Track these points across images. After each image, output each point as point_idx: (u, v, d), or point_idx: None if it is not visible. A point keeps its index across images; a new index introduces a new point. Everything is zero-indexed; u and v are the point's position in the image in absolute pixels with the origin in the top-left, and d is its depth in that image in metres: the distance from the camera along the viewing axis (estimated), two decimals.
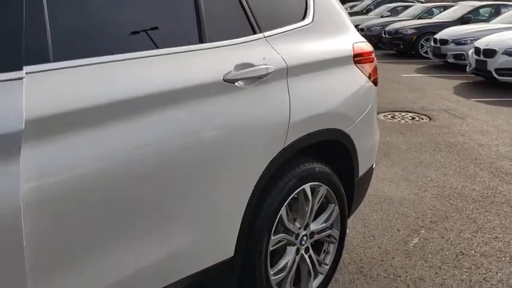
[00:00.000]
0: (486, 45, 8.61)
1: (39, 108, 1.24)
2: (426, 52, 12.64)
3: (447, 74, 10.25)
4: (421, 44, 13.08)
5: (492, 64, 8.36)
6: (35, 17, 1.28)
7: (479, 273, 2.64)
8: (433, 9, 16.98)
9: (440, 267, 2.70)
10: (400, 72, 10.38)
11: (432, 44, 11.58)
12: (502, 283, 2.54)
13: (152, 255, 1.55)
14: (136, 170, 1.44)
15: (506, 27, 10.28)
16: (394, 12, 18.54)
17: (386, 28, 14.18)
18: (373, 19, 17.34)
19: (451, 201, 3.62)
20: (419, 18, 15.84)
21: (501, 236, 3.08)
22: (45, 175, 1.24)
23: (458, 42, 10.77)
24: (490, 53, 8.41)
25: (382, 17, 18.03)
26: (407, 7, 18.38)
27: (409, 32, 13.31)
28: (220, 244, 1.79)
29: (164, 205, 1.54)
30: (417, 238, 3.05)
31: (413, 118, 6.38)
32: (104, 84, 1.38)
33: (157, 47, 1.56)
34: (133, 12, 1.57)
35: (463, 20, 13.21)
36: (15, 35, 1.22)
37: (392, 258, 2.80)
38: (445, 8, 16.55)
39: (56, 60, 1.31)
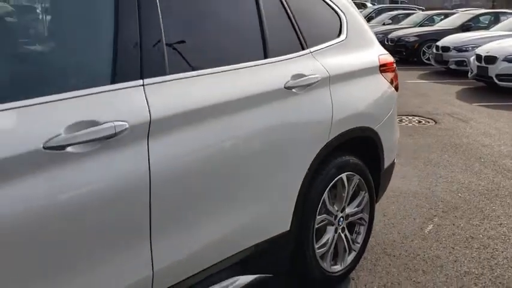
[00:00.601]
0: (487, 52, 9.06)
1: (158, 109, 1.66)
2: (428, 59, 13.08)
3: (449, 80, 10.69)
4: (423, 51, 13.52)
5: (493, 70, 8.81)
6: (157, 43, 1.71)
7: (487, 252, 3.06)
8: (434, 16, 17.46)
9: (453, 248, 3.12)
10: (404, 79, 10.80)
11: (434, 51, 12.03)
12: (507, 259, 2.96)
13: (234, 224, 1.98)
14: (227, 158, 1.88)
15: (505, 34, 10.75)
16: (396, 19, 19.00)
17: (389, 36, 14.63)
18: (375, 27, 17.79)
19: (459, 195, 4.04)
20: (421, 25, 16.31)
21: (505, 222, 3.50)
22: (164, 158, 1.67)
23: (459, 49, 11.22)
24: (491, 59, 8.86)
25: (384, 24, 18.47)
26: (408, 15, 18.86)
27: (411, 39, 13.76)
28: (280, 219, 2.22)
29: (244, 186, 1.98)
30: (431, 225, 3.46)
31: (419, 122, 6.80)
32: (205, 91, 1.82)
33: (238, 62, 2.00)
34: (221, 37, 2.01)
35: (463, 28, 13.66)
36: (135, 56, 1.65)
37: (411, 241, 3.22)
38: (446, 15, 17.05)
39: (169, 73, 1.74)
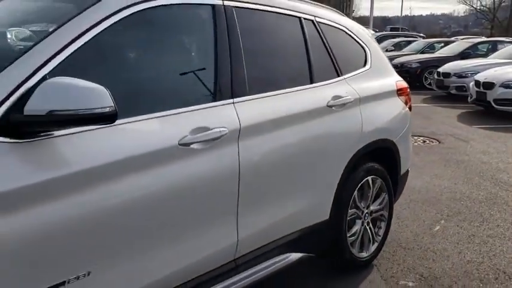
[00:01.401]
0: (485, 79, 9.75)
1: (244, 120, 2.28)
2: (430, 84, 13.79)
3: (450, 104, 11.37)
4: (425, 76, 14.24)
5: (491, 95, 9.49)
6: (241, 74, 2.33)
7: (487, 246, 3.64)
8: (435, 44, 18.28)
9: (457, 243, 3.70)
10: None
11: (436, 76, 12.74)
12: (503, 252, 3.54)
13: (292, 209, 2.58)
14: (288, 158, 2.49)
15: (502, 62, 11.47)
16: (398, 46, 19.83)
17: (393, 62, 15.35)
18: None
19: (462, 202, 4.64)
20: (422, 52, 17.10)
21: (502, 224, 4.09)
22: (248, 156, 2.28)
23: (459, 75, 11.93)
24: (489, 85, 9.55)
25: (386, 51, 19.27)
26: (410, 42, 19.69)
27: (414, 65, 14.50)
28: (323, 209, 2.82)
29: (300, 180, 2.59)
30: (438, 226, 4.05)
31: (424, 141, 7.42)
32: (272, 107, 2.44)
33: (293, 86, 2.63)
34: (282, 68, 2.65)
35: (463, 55, 14.42)
36: (228, 83, 2.27)
37: (422, 238, 3.80)
38: (446, 43, 17.87)
39: (249, 94, 2.37)
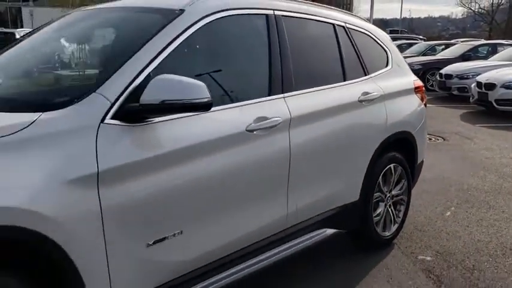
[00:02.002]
0: (487, 80, 10.19)
1: (293, 111, 2.70)
2: (432, 85, 14.22)
3: (453, 105, 11.80)
4: (427, 78, 14.68)
5: (492, 96, 9.93)
6: (289, 73, 2.75)
7: (494, 229, 4.06)
8: (436, 46, 18.74)
9: (467, 226, 4.12)
10: None
11: (438, 78, 13.19)
12: (509, 233, 3.97)
13: (329, 190, 3.00)
14: (327, 145, 2.91)
15: (503, 64, 11.91)
16: (399, 49, 20.09)
17: None
18: None
19: (469, 192, 5.06)
20: (424, 54, 17.55)
21: (507, 210, 4.51)
22: (297, 142, 2.69)
23: (461, 77, 12.37)
24: (491, 86, 9.98)
25: None
26: (411, 44, 20.15)
27: (416, 67, 14.91)
28: (353, 191, 3.23)
29: (336, 164, 3.01)
30: (449, 212, 4.47)
31: (430, 139, 7.83)
32: (313, 101, 2.86)
33: (330, 84, 3.05)
34: (320, 68, 3.07)
35: (464, 57, 14.88)
36: (279, 81, 2.69)
37: (435, 222, 4.22)
38: (446, 45, 18.32)
39: (282, 93, 2.76)
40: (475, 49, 15.62)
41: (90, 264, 1.81)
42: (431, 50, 18.35)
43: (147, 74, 2.07)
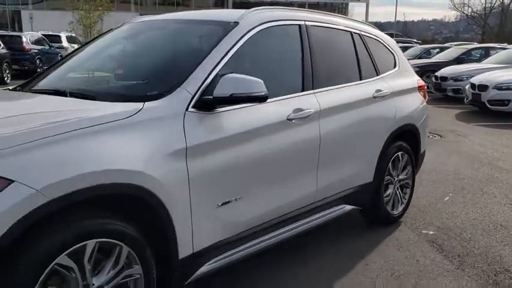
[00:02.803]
0: (480, 82, 10.83)
1: (322, 104, 3.28)
2: (428, 87, 14.83)
3: (448, 105, 12.44)
4: (424, 80, 15.29)
5: (485, 96, 10.57)
6: (319, 73, 3.34)
7: (487, 210, 4.65)
8: (431, 50, 19.42)
9: (464, 208, 4.71)
10: None
11: (433, 80, 13.83)
12: (500, 212, 4.56)
13: (349, 171, 3.58)
14: (348, 133, 3.49)
15: (495, 66, 12.57)
16: None
17: None
18: None
19: (465, 181, 5.66)
20: (419, 57, 18.21)
21: (498, 196, 5.11)
22: (325, 130, 3.27)
23: (456, 79, 13.02)
24: (483, 87, 10.63)
25: None
26: (407, 48, 20.82)
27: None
28: (368, 173, 3.81)
29: (354, 150, 3.60)
30: (448, 197, 5.06)
31: (428, 136, 8.40)
32: (336, 97, 3.45)
33: (348, 82, 3.64)
34: (341, 69, 3.66)
35: (458, 60, 15.53)
36: (310, 79, 3.27)
37: (436, 205, 4.81)
38: (441, 49, 18.99)
39: (313, 89, 3.34)
40: (468, 52, 16.29)
41: (180, 216, 2.38)
42: (427, 53, 19.02)
43: (215, 73, 2.65)
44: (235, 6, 49.72)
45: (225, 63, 2.73)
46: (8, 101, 2.94)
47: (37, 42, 20.79)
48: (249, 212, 2.81)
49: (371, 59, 3.97)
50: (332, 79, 3.51)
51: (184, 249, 2.45)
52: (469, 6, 56.95)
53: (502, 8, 53.94)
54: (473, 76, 11.68)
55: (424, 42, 40.61)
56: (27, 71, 18.63)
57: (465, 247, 3.76)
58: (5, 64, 16.63)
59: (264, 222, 2.96)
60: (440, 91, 13.54)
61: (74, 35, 24.04)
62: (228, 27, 2.90)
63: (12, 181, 1.81)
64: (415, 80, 4.48)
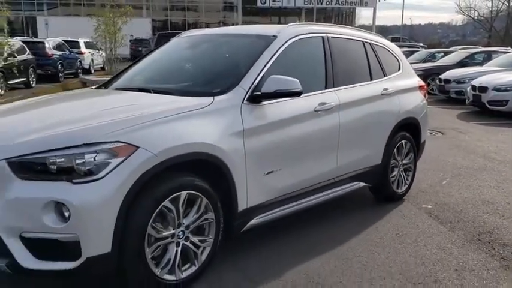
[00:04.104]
0: (480, 84, 11.65)
1: (341, 99, 4.15)
2: (432, 89, 15.67)
3: (450, 106, 13.25)
4: (428, 82, 16.12)
5: (485, 97, 11.38)
6: (339, 74, 4.22)
7: (479, 191, 5.48)
8: (436, 54, 20.24)
9: (458, 189, 5.55)
10: None
11: (438, 82, 14.65)
12: (489, 194, 5.40)
13: (362, 154, 4.44)
14: (360, 123, 4.36)
15: (496, 69, 13.38)
16: None
17: None
18: None
19: (461, 169, 6.49)
20: (425, 61, 19.02)
21: (489, 180, 5.94)
22: (343, 119, 4.14)
23: (458, 81, 13.83)
24: (483, 89, 11.45)
25: None
26: (413, 52, 21.64)
27: (418, 73, 16.27)
28: (377, 156, 4.67)
29: (365, 136, 4.46)
30: (445, 181, 5.90)
31: (431, 133, 9.24)
32: (351, 93, 4.31)
33: (360, 82, 4.51)
34: (354, 71, 4.53)
35: (461, 64, 16.34)
36: (331, 79, 4.15)
37: (434, 187, 5.65)
38: (445, 53, 19.80)
39: (333, 87, 4.21)
40: (471, 56, 17.09)
41: (239, 179, 3.25)
42: (432, 57, 19.82)
43: (262, 75, 3.53)
44: (244, 12, 50.72)
45: (269, 67, 3.61)
46: (108, 96, 3.84)
47: (58, 47, 21.75)
48: (286, 181, 3.69)
49: (379, 63, 4.84)
50: (348, 79, 4.38)
51: (242, 204, 3.33)
52: (475, 10, 57.46)
53: (508, 12, 54.53)
54: (475, 78, 12.48)
55: (430, 45, 41.33)
56: (49, 75, 19.67)
57: (457, 216, 4.61)
58: (31, 69, 17.52)
59: (297, 190, 3.83)
60: (444, 93, 14.35)
61: (90, 40, 25.06)
62: (269, 39, 3.79)
63: (138, 147, 2.70)
64: (416, 81, 5.35)
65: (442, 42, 69.16)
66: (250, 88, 3.42)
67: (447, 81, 14.12)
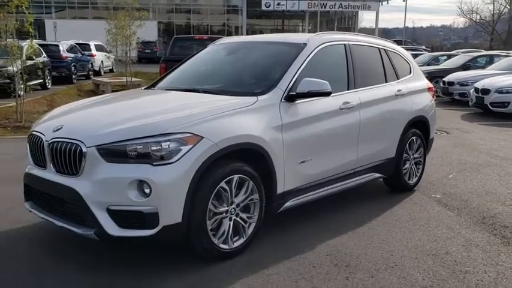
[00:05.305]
0: (483, 86, 12.21)
1: (361, 99, 4.72)
2: (436, 92, 16.21)
3: (454, 107, 13.81)
4: (432, 84, 16.68)
5: (487, 99, 11.95)
6: (359, 77, 4.79)
7: (482, 183, 6.04)
8: (439, 57, 20.80)
9: (464, 182, 6.11)
10: None
11: (441, 85, 15.21)
12: (491, 186, 5.96)
13: (378, 148, 5.01)
14: (377, 120, 4.93)
15: (498, 72, 13.94)
16: None
17: None
18: None
19: (466, 165, 7.05)
20: (428, 64, 19.58)
21: (492, 175, 6.49)
22: (363, 116, 4.71)
23: (462, 83, 14.40)
24: (486, 91, 12.01)
25: None
26: (417, 55, 22.19)
27: None
28: (391, 150, 5.22)
29: (381, 132, 5.03)
30: (451, 175, 6.46)
31: (436, 133, 9.74)
32: (368, 94, 4.88)
33: (377, 84, 5.07)
34: (372, 74, 5.10)
35: (464, 67, 16.90)
36: (353, 81, 4.72)
37: (441, 180, 6.21)
38: (449, 56, 20.36)
39: (354, 88, 4.77)
40: (474, 59, 17.66)
41: (278, 166, 3.81)
42: (435, 60, 20.39)
43: (296, 77, 4.10)
44: (248, 15, 51.36)
45: (301, 71, 4.18)
46: (164, 95, 4.43)
47: (70, 50, 22.35)
48: (315, 169, 4.25)
49: (393, 67, 5.42)
50: (366, 81, 4.95)
51: (279, 188, 3.89)
52: (477, 13, 58.08)
53: (510, 16, 55.06)
54: (478, 81, 13.04)
55: (432, 48, 41.85)
56: (63, 77, 20.26)
57: (463, 204, 5.17)
58: (47, 71, 18.10)
59: (324, 177, 4.39)
60: (447, 95, 14.91)
61: (100, 43, 25.66)
62: (300, 47, 4.37)
63: (203, 137, 3.27)
64: (425, 83, 5.92)
65: (444, 44, 69.64)
66: (286, 89, 3.99)
67: (451, 83, 14.68)
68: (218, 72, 4.83)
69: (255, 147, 3.63)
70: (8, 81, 13.62)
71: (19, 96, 10.76)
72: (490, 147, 8.35)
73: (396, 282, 3.33)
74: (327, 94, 4.04)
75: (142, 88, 4.95)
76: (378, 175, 5.16)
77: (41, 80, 17.16)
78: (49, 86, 18.09)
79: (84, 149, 3.20)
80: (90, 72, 23.75)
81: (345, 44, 4.78)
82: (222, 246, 3.50)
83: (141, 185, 3.13)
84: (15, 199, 4.48)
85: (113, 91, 16.83)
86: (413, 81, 5.68)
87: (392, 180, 5.49)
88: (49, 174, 3.45)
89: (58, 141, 3.36)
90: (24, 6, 10.15)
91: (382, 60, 5.29)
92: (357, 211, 4.82)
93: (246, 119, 3.63)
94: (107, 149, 3.18)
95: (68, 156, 3.28)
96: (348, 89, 4.66)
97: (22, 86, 11.45)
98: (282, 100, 3.94)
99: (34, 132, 3.68)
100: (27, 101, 11.73)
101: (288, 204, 4.05)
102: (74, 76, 21.05)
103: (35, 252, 3.80)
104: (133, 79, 16.68)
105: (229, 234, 3.55)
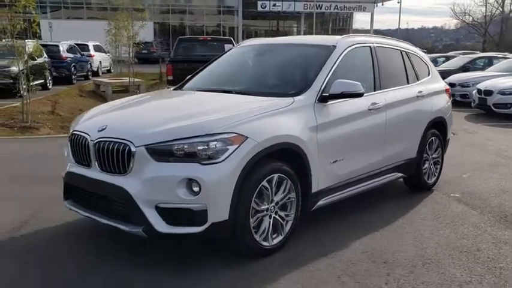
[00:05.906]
0: (485, 87, 12.38)
1: (387, 100, 4.82)
2: None
3: (456, 108, 13.89)
4: None
5: (490, 100, 12.12)
6: (383, 79, 4.89)
7: (497, 182, 6.15)
8: (437, 58, 21.01)
9: (479, 181, 6.22)
10: None
11: None
12: (507, 185, 6.08)
13: (401, 148, 5.10)
14: (401, 121, 5.03)
15: (498, 74, 14.13)
16: None
17: None
18: None
19: (478, 165, 7.17)
20: None
21: (504, 173, 6.62)
22: (389, 116, 4.80)
23: (463, 85, 14.57)
24: (489, 92, 12.18)
25: None
26: None
27: None
28: (413, 150, 5.32)
29: (403, 133, 5.13)
30: (465, 175, 6.57)
31: None
32: (391, 95, 4.97)
33: (399, 85, 5.17)
34: (394, 75, 5.19)
35: (464, 68, 17.10)
36: (378, 83, 4.81)
37: (457, 179, 6.32)
38: (447, 58, 20.57)
39: (380, 89, 4.87)
40: (473, 61, 17.88)
41: (313, 165, 3.89)
42: (433, 62, 20.57)
43: (328, 79, 4.19)
44: (244, 15, 51.42)
45: (332, 72, 4.27)
46: (194, 95, 4.49)
47: (70, 50, 22.31)
48: (346, 169, 4.34)
49: (413, 69, 5.52)
50: (390, 83, 5.05)
51: (314, 187, 3.98)
52: (469, 15, 58.48)
53: (502, 18, 55.57)
54: (478, 83, 13.21)
55: (424, 48, 42.06)
56: (63, 77, 20.21)
57: (483, 203, 5.28)
58: (48, 71, 18.06)
59: (353, 177, 4.48)
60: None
61: (98, 43, 25.61)
62: (329, 49, 4.46)
63: (247, 137, 3.35)
64: (443, 85, 6.03)
65: (436, 46, 70.07)
66: (320, 90, 4.08)
67: (452, 85, 14.79)
68: (249, 73, 4.91)
69: (293, 147, 3.70)
70: (12, 81, 13.62)
71: (24, 96, 10.76)
72: (499, 147, 8.49)
73: (436, 277, 3.42)
74: (359, 95, 4.13)
75: (171, 89, 5.00)
76: (400, 175, 5.25)
77: (42, 81, 17.13)
78: (50, 87, 18.03)
79: (133, 149, 3.27)
80: (89, 73, 23.72)
81: (370, 46, 4.88)
82: (263, 243, 3.58)
83: (190, 183, 3.19)
84: (44, 199, 4.52)
85: (114, 92, 16.91)
86: (432, 83, 5.79)
87: (413, 180, 5.58)
88: (94, 172, 3.51)
89: (105, 140, 3.42)
90: (32, 6, 10.16)
91: (404, 62, 5.39)
92: (383, 210, 4.92)
93: (285, 120, 3.71)
94: (155, 149, 3.25)
95: (116, 156, 3.34)
96: (375, 90, 4.75)
97: (25, 86, 11.45)
98: (316, 101, 4.02)
99: (76, 132, 3.73)
100: (31, 102, 11.72)
101: (320, 203, 4.13)
102: (73, 76, 21.02)
103: (72, 250, 3.85)
104: (134, 80, 16.69)
105: (269, 232, 3.62)
